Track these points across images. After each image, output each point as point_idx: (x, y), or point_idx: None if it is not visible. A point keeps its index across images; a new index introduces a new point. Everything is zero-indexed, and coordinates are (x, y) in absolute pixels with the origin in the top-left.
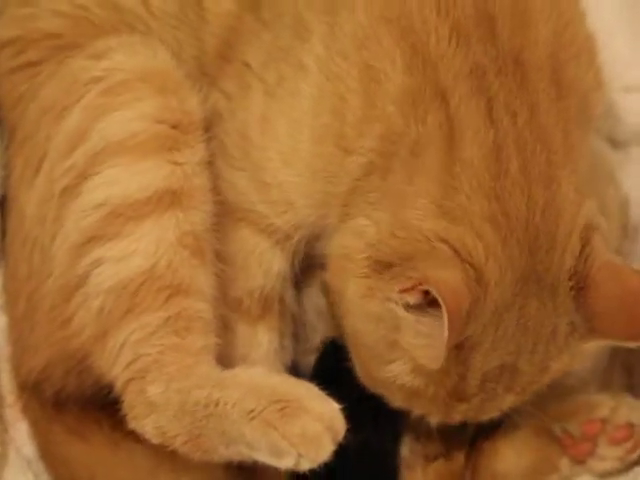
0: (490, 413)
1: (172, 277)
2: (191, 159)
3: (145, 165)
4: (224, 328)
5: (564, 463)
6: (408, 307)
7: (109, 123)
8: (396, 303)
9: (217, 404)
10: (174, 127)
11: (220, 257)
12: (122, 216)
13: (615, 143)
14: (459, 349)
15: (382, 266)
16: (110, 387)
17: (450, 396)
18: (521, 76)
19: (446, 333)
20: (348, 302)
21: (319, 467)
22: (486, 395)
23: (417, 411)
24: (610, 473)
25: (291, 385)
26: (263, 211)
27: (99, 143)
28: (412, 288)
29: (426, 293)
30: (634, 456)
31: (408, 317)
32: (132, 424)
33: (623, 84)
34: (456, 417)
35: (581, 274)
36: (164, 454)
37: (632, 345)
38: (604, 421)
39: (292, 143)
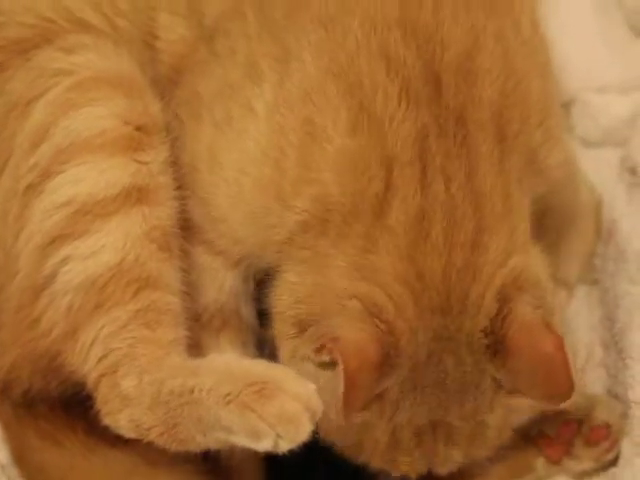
0: (446, 466)
1: (140, 271)
2: (156, 158)
3: (112, 163)
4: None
5: (540, 463)
6: (324, 366)
7: (76, 119)
8: (313, 363)
9: (192, 392)
10: (138, 129)
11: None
12: (89, 214)
13: (588, 144)
14: (380, 404)
15: (304, 326)
16: (79, 387)
17: (388, 449)
18: (462, 137)
19: (342, 387)
20: (283, 362)
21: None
22: (426, 449)
23: (371, 465)
24: (586, 473)
25: (266, 367)
26: (214, 238)
27: (65, 140)
28: (322, 347)
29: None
30: (610, 456)
31: (323, 375)
32: (106, 420)
33: (597, 85)
34: (409, 470)
35: (497, 334)
36: (139, 459)
37: (551, 407)
38: (580, 422)
39: (237, 188)
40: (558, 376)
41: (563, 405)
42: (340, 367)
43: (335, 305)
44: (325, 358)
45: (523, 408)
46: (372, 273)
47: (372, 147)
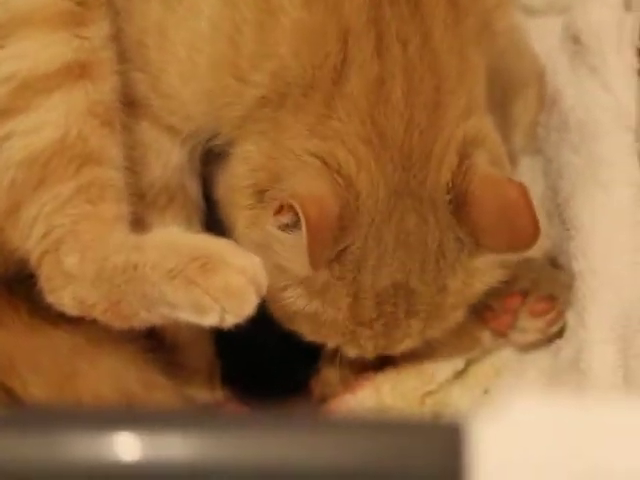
0: (402, 342)
1: (83, 146)
2: (98, 33)
3: (54, 38)
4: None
5: (486, 336)
6: (285, 228)
7: None
8: (273, 226)
9: (135, 267)
10: (80, 4)
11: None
12: (31, 89)
13: (532, 12)
14: (342, 264)
15: (262, 193)
16: (21, 266)
17: (349, 320)
18: (415, 2)
19: (305, 237)
20: (238, 235)
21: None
22: (387, 319)
23: (328, 342)
24: (532, 345)
25: (211, 242)
26: (163, 115)
27: (4, 14)
28: (282, 208)
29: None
30: (556, 328)
31: (284, 237)
32: (50, 297)
33: None
34: (367, 346)
35: (459, 188)
36: (82, 338)
37: (516, 257)
38: (525, 293)
39: (190, 65)
40: (523, 220)
41: (529, 253)
42: (301, 218)
43: (293, 165)
44: (285, 219)
45: (484, 271)
46: (332, 134)
47: (328, 19)
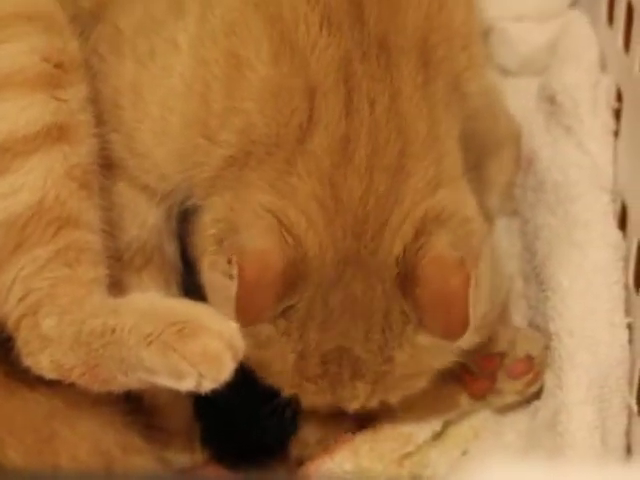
0: (351, 402)
1: (61, 210)
2: (75, 96)
3: (32, 100)
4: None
5: (464, 398)
6: (232, 279)
7: None
8: (224, 275)
9: (113, 331)
10: (58, 66)
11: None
12: (9, 152)
13: (506, 73)
14: (288, 320)
15: (221, 242)
16: (0, 328)
17: (295, 374)
18: (385, 61)
19: (235, 291)
20: (203, 279)
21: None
22: (332, 378)
23: (282, 389)
24: (510, 407)
25: (188, 306)
26: (139, 175)
27: None
28: (231, 259)
29: None
30: (533, 389)
31: (230, 285)
32: (28, 360)
33: (514, 13)
34: (316, 401)
35: (409, 264)
36: (60, 401)
37: (450, 344)
38: (502, 355)
39: (163, 124)
40: (455, 310)
41: (458, 344)
42: (235, 273)
43: (249, 218)
44: (233, 270)
45: (431, 349)
46: (290, 191)
47: (295, 76)
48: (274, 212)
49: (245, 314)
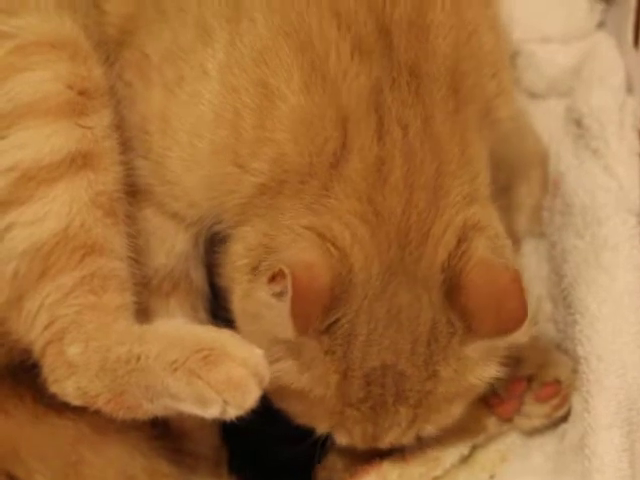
0: (391, 430)
1: (86, 237)
2: (100, 123)
3: (57, 127)
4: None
5: (491, 422)
6: (277, 296)
7: (19, 83)
8: (266, 294)
9: (138, 359)
10: (82, 93)
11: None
12: (34, 180)
13: (534, 95)
14: (332, 337)
15: (257, 269)
16: (26, 355)
17: (337, 399)
18: (416, 88)
19: (290, 298)
20: (234, 309)
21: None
22: (375, 401)
23: (318, 426)
24: (537, 430)
25: (213, 333)
26: (167, 201)
27: (7, 105)
28: (275, 276)
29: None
30: (561, 412)
31: (275, 303)
32: (53, 388)
33: (541, 35)
34: (355, 432)
35: (454, 269)
36: (86, 427)
37: (505, 343)
38: (530, 378)
39: (192, 151)
40: (512, 303)
41: (515, 339)
42: (288, 281)
43: (289, 239)
44: (277, 287)
45: (476, 362)
46: (329, 211)
47: (326, 105)
48: (316, 228)
49: (302, 321)
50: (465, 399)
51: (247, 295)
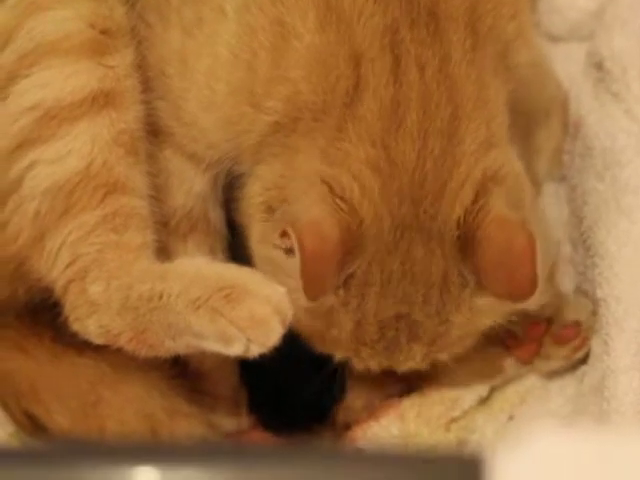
0: (405, 363)
1: (108, 175)
2: (121, 62)
3: (79, 67)
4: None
5: (509, 364)
6: (288, 252)
7: (41, 22)
8: (278, 249)
9: (161, 296)
10: (104, 32)
11: (152, 174)
12: (56, 118)
13: (555, 39)
14: (347, 289)
15: (272, 210)
16: (46, 294)
17: (352, 340)
18: (434, 28)
19: (299, 266)
20: (252, 248)
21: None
22: (389, 343)
23: (335, 354)
24: (556, 372)
25: (235, 271)
26: (185, 143)
27: (30, 43)
28: (285, 232)
29: None
30: (580, 355)
31: (287, 260)
32: (75, 326)
33: None
34: (370, 363)
35: (470, 225)
36: (106, 366)
37: (513, 306)
38: (549, 321)
39: (209, 93)
40: (523, 271)
41: (525, 305)
42: (296, 249)
43: (300, 187)
44: (288, 244)
45: (488, 310)
46: (341, 158)
47: (341, 43)
48: (326, 180)
49: (313, 287)
50: (476, 335)
51: (263, 239)
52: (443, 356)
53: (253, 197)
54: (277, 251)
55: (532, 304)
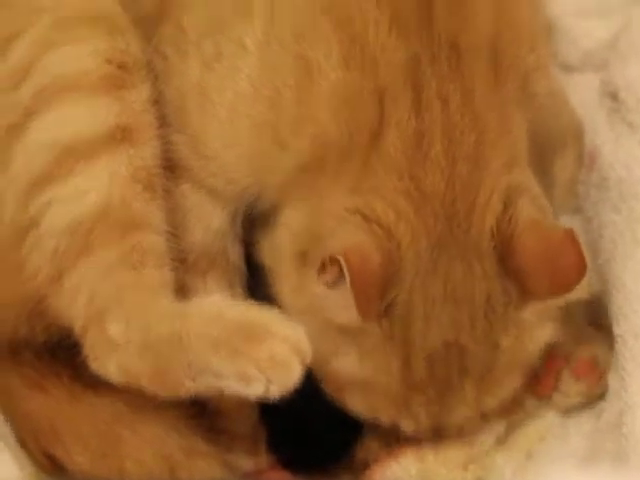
0: (457, 409)
1: (126, 212)
2: (138, 97)
3: (96, 102)
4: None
5: (528, 400)
6: (330, 285)
7: (59, 57)
8: (319, 286)
9: (180, 336)
10: (121, 67)
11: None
12: (74, 155)
13: (569, 69)
14: (390, 320)
15: (304, 256)
16: (64, 332)
17: (401, 384)
18: (456, 61)
19: (349, 286)
20: (285, 302)
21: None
22: (439, 382)
23: (382, 416)
24: (574, 408)
25: (255, 311)
26: (204, 177)
27: (47, 79)
28: (325, 265)
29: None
30: (598, 390)
31: (331, 294)
32: (94, 365)
33: (578, 8)
34: (421, 414)
35: (504, 233)
36: (123, 405)
37: (562, 301)
38: (567, 356)
39: (231, 128)
40: (568, 258)
41: (573, 295)
42: (344, 268)
43: (333, 224)
44: (329, 277)
45: (535, 324)
46: (371, 190)
47: (365, 79)
48: (359, 210)
49: (365, 306)
50: (523, 369)
51: (297, 289)
52: (492, 401)
53: (281, 246)
54: (320, 288)
55: (581, 292)
